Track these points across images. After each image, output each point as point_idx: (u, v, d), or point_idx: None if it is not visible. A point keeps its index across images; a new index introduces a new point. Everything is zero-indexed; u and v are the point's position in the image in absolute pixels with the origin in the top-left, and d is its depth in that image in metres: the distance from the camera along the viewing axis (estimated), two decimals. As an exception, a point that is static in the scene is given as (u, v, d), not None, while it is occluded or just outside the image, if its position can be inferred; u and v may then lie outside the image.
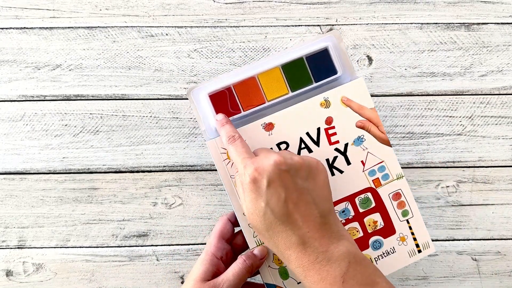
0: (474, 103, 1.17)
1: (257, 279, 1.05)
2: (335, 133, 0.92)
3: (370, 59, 1.17)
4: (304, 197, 0.80)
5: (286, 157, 0.81)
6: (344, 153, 0.93)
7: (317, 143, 0.92)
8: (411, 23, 1.18)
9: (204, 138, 0.94)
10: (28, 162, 1.16)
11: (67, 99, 1.16)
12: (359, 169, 0.93)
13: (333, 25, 1.18)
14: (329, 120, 0.92)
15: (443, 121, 1.17)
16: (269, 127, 0.91)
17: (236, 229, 0.95)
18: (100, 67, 1.16)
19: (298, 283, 0.92)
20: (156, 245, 1.18)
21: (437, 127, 1.17)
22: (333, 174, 0.93)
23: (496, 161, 1.18)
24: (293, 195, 0.80)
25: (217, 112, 0.91)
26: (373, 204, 0.94)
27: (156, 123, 1.16)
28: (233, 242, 0.95)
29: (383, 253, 0.94)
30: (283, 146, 0.91)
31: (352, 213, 0.93)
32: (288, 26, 1.17)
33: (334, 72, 0.93)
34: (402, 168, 0.96)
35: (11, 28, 1.16)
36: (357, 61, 1.17)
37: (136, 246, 1.17)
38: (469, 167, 1.18)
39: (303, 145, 0.92)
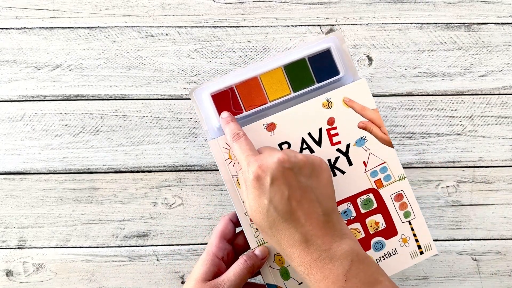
0: (474, 103, 1.18)
1: (258, 279, 1.04)
2: (337, 134, 0.92)
3: (370, 59, 1.18)
4: (307, 195, 0.80)
5: (289, 155, 0.81)
6: (346, 154, 0.93)
7: (319, 143, 0.92)
8: (411, 23, 1.18)
9: (206, 138, 0.94)
10: (28, 162, 1.16)
11: (67, 99, 1.16)
12: (361, 170, 0.93)
13: (333, 25, 1.18)
14: (331, 121, 0.92)
15: (443, 121, 1.17)
16: (271, 127, 0.91)
17: (238, 229, 0.95)
18: (100, 67, 1.16)
19: (299, 284, 0.92)
20: (156, 245, 1.18)
21: (437, 127, 1.17)
22: (335, 174, 0.93)
23: (496, 161, 1.18)
24: (296, 193, 0.80)
25: (219, 112, 0.91)
26: (375, 205, 0.94)
27: (156, 123, 1.16)
28: (234, 242, 0.94)
29: (385, 255, 0.94)
30: (285, 146, 0.91)
31: (354, 214, 0.93)
32: (288, 26, 1.17)
33: (336, 73, 0.92)
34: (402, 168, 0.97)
35: (11, 28, 1.16)
36: (357, 61, 1.17)
37: (136, 246, 1.17)
38: (469, 167, 1.18)
39: (305, 146, 0.92)
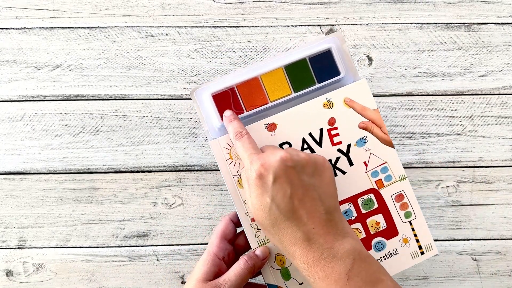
0: (474, 103, 1.18)
1: (259, 279, 1.04)
2: (337, 134, 0.92)
3: (370, 59, 1.18)
4: (309, 194, 0.80)
5: (292, 154, 0.81)
6: (346, 154, 0.93)
7: (319, 143, 0.92)
8: (411, 23, 1.18)
9: (207, 138, 0.94)
10: (28, 162, 1.16)
11: (67, 99, 1.16)
12: (362, 170, 0.93)
13: (333, 25, 1.18)
14: (331, 121, 0.92)
15: (443, 121, 1.17)
16: (271, 127, 0.91)
17: (238, 230, 0.95)
18: (100, 67, 1.16)
19: (300, 284, 0.92)
20: (156, 245, 1.18)
21: (437, 127, 1.17)
22: (335, 175, 0.93)
23: (496, 161, 1.18)
24: (298, 191, 0.80)
25: (220, 112, 0.91)
26: (376, 205, 0.94)
27: (156, 123, 1.16)
28: (235, 243, 0.94)
29: (386, 255, 0.94)
30: (285, 146, 0.91)
31: (355, 214, 0.93)
32: (288, 26, 1.17)
33: (337, 73, 0.93)
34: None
35: (11, 28, 1.16)
36: (357, 61, 1.17)
37: (136, 246, 1.17)
38: (469, 167, 1.18)
39: (305, 146, 0.92)
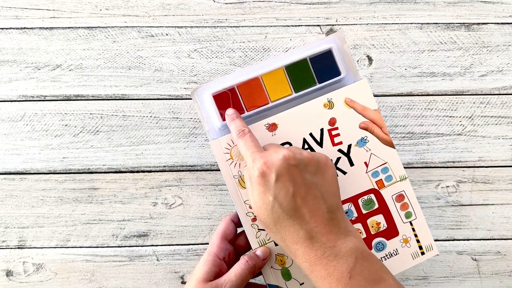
0: (474, 103, 1.18)
1: (260, 280, 1.04)
2: (338, 134, 0.92)
3: (370, 59, 1.18)
4: (312, 192, 0.80)
5: (295, 152, 0.81)
6: (347, 154, 0.93)
7: (320, 144, 0.92)
8: (411, 23, 1.18)
9: (208, 138, 0.94)
10: (28, 162, 1.16)
11: (67, 99, 1.16)
12: (362, 170, 0.93)
13: (333, 25, 1.18)
14: (332, 121, 0.92)
15: (443, 121, 1.17)
16: (272, 127, 0.91)
17: (239, 230, 0.95)
18: (100, 67, 1.16)
19: (300, 284, 0.92)
20: (156, 245, 1.18)
21: (437, 127, 1.17)
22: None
23: (496, 161, 1.18)
24: (301, 189, 0.80)
25: (221, 112, 0.91)
26: (376, 206, 0.94)
27: (156, 123, 1.16)
28: (235, 243, 0.94)
29: (386, 255, 0.94)
30: (286, 146, 0.91)
31: (355, 214, 0.93)
32: (288, 26, 1.17)
33: (338, 73, 0.92)
34: (402, 168, 0.97)
35: (11, 28, 1.16)
36: (357, 61, 1.17)
37: (136, 246, 1.17)
38: (469, 167, 1.18)
39: (306, 146, 0.92)
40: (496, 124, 1.18)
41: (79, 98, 1.16)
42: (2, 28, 1.16)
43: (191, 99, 1.16)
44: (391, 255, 0.94)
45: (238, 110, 0.91)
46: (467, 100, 1.17)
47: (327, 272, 0.77)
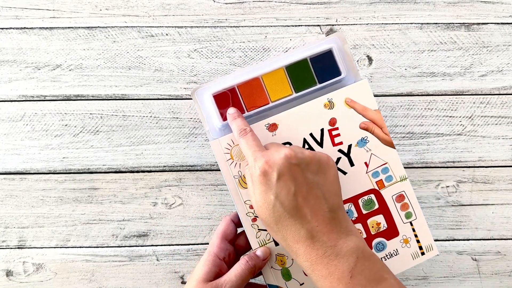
0: (474, 103, 1.18)
1: (260, 280, 1.04)
2: (338, 134, 0.92)
3: (370, 59, 1.18)
4: (313, 191, 0.80)
5: (296, 151, 0.81)
6: (347, 155, 0.93)
7: (320, 144, 0.92)
8: (411, 23, 1.18)
9: (208, 138, 0.94)
10: (28, 162, 1.16)
11: (67, 99, 1.16)
12: (363, 171, 0.93)
13: (333, 25, 1.18)
14: (332, 121, 0.92)
15: (443, 121, 1.17)
16: (272, 127, 0.91)
17: (239, 230, 0.95)
18: (100, 67, 1.16)
19: (300, 285, 0.92)
20: (156, 245, 1.18)
21: (437, 127, 1.17)
22: (336, 175, 0.93)
23: (496, 161, 1.18)
24: (303, 188, 0.80)
25: (221, 112, 0.91)
26: (377, 206, 0.94)
27: (156, 123, 1.16)
28: (235, 243, 0.94)
29: (386, 255, 0.94)
30: (287, 146, 0.91)
31: (355, 215, 0.93)
32: (288, 26, 1.17)
33: (338, 73, 0.92)
34: (402, 168, 0.97)
35: (11, 28, 1.16)
36: (357, 61, 1.17)
37: (136, 246, 1.17)
38: (469, 167, 1.18)
39: (306, 146, 0.92)
40: (496, 124, 1.18)
41: (79, 98, 1.16)
42: (2, 28, 1.16)
43: (191, 99, 1.16)
44: (391, 255, 0.94)
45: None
46: (467, 100, 1.18)
47: (328, 271, 0.77)
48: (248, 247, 0.93)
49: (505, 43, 1.18)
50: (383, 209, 0.94)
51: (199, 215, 1.18)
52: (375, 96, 1.17)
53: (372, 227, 0.94)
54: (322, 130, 0.92)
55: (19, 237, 1.17)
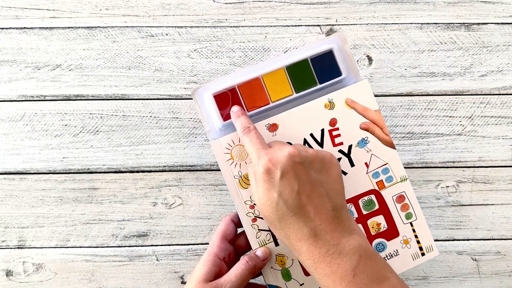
0: (474, 103, 1.18)
1: (260, 280, 1.04)
2: (339, 135, 0.92)
3: (370, 59, 1.18)
4: (317, 190, 0.80)
5: (300, 150, 0.81)
6: (348, 155, 0.93)
7: (321, 144, 0.92)
8: (411, 23, 1.18)
9: (208, 138, 0.94)
10: (28, 162, 1.16)
11: (67, 99, 1.16)
12: (363, 171, 0.93)
13: (333, 25, 1.18)
14: (333, 122, 0.92)
15: (443, 121, 1.17)
16: (273, 128, 0.91)
17: (239, 230, 0.95)
18: (100, 67, 1.16)
19: (300, 285, 0.92)
20: (156, 245, 1.18)
21: (437, 127, 1.17)
22: (337, 175, 0.93)
23: (496, 161, 1.18)
24: (306, 187, 0.80)
25: (221, 112, 0.91)
26: (377, 206, 0.94)
27: (156, 123, 1.16)
28: (235, 243, 0.94)
29: (386, 256, 0.94)
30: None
31: (356, 215, 0.93)
32: (288, 26, 1.17)
33: (339, 73, 0.93)
34: (402, 168, 0.97)
35: (11, 28, 1.16)
36: (357, 61, 1.17)
37: (136, 246, 1.17)
38: (469, 167, 1.18)
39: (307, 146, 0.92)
40: (496, 124, 1.18)
41: (79, 98, 1.16)
42: (2, 28, 1.15)
43: (191, 99, 1.16)
44: (391, 256, 0.94)
45: (238, 110, 0.91)
46: (467, 100, 1.18)
47: (330, 269, 0.77)
48: (248, 247, 0.94)
49: (505, 43, 1.18)
50: (383, 210, 0.94)
51: (199, 215, 1.18)
52: (375, 96, 1.17)
53: (372, 227, 0.94)
54: (322, 130, 0.92)
55: (19, 237, 1.17)
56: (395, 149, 0.94)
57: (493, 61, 1.18)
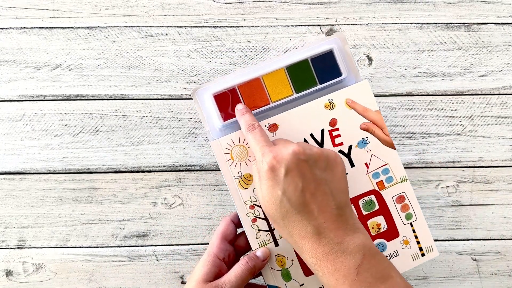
0: (474, 103, 1.18)
1: (260, 280, 1.04)
2: (339, 135, 0.92)
3: (370, 59, 1.18)
4: (321, 188, 0.80)
5: (305, 147, 0.81)
6: (348, 155, 0.93)
7: (321, 144, 0.92)
8: (411, 23, 1.18)
9: (208, 138, 0.94)
10: (28, 162, 1.16)
11: (67, 99, 1.16)
12: (363, 172, 0.93)
13: (333, 25, 1.18)
14: (333, 122, 0.92)
15: (443, 121, 1.17)
16: (273, 128, 0.91)
17: (239, 230, 0.95)
18: (100, 67, 1.16)
19: (300, 285, 0.92)
20: (156, 245, 1.18)
21: (437, 127, 1.17)
22: (337, 175, 0.93)
23: (496, 161, 1.18)
24: (310, 185, 0.80)
25: (221, 112, 0.91)
26: (377, 207, 0.94)
27: (156, 123, 1.16)
28: (235, 244, 0.94)
29: (386, 256, 0.94)
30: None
31: (356, 216, 0.93)
32: (288, 26, 1.17)
33: (339, 74, 0.92)
34: (402, 168, 0.97)
35: (11, 28, 1.16)
36: (357, 61, 1.17)
37: (136, 246, 1.17)
38: (469, 167, 1.18)
39: (307, 147, 0.92)
40: (496, 124, 1.18)
41: (79, 98, 1.16)
42: (2, 28, 1.15)
43: (191, 99, 1.16)
44: (392, 256, 0.94)
45: (238, 111, 0.91)
46: (467, 100, 1.17)
47: (334, 268, 0.77)
48: (248, 248, 0.94)
49: (505, 43, 1.18)
50: (384, 210, 0.94)
51: (199, 215, 1.18)
52: (375, 96, 1.17)
53: (372, 228, 0.94)
54: (322, 130, 0.92)
55: (18, 237, 1.17)
56: (395, 149, 0.94)
57: (493, 61, 1.18)
